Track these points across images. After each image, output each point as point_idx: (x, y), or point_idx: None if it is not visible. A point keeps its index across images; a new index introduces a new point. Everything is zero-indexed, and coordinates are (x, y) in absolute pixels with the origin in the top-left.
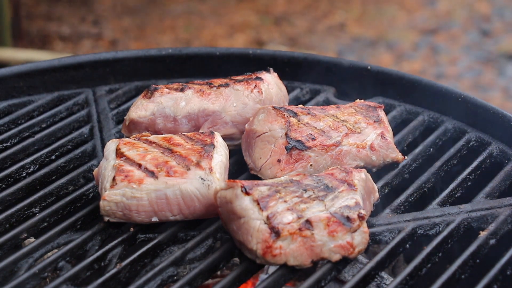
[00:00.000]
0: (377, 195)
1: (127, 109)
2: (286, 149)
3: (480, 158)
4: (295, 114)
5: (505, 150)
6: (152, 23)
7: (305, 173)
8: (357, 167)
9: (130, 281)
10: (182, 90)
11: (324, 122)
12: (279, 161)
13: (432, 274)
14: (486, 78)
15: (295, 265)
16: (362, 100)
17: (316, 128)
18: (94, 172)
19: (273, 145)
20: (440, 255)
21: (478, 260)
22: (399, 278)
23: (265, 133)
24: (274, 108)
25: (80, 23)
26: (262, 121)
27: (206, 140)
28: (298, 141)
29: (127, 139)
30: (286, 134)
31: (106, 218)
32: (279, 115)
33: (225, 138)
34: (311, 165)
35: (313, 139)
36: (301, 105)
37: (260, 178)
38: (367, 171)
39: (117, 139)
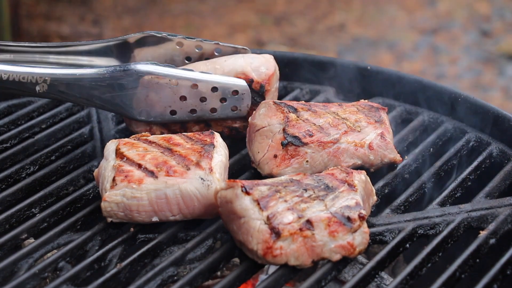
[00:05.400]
0: (375, 198)
1: None
2: (282, 145)
3: (480, 158)
4: (295, 110)
5: (505, 150)
6: (152, 23)
7: (304, 172)
8: (354, 165)
9: (130, 281)
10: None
11: (324, 119)
12: (275, 156)
13: (432, 274)
14: (486, 78)
15: (296, 265)
16: (366, 101)
17: (315, 124)
18: (94, 173)
19: (271, 140)
20: (440, 255)
21: (478, 260)
22: (399, 278)
23: (264, 127)
24: (274, 103)
25: (80, 22)
26: (262, 115)
27: (206, 140)
28: (295, 136)
29: (126, 139)
30: (283, 130)
31: (109, 219)
32: (278, 110)
33: None
34: (307, 161)
35: (311, 136)
36: (303, 101)
37: (260, 175)
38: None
39: (117, 139)
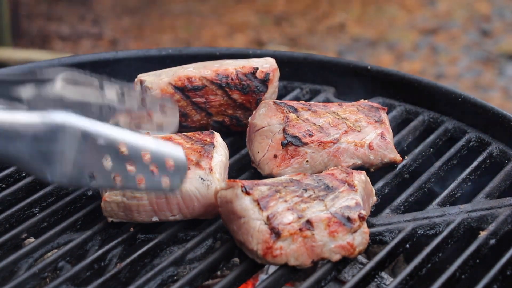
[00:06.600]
0: (375, 198)
1: None
2: (282, 145)
3: (480, 158)
4: (295, 110)
5: (505, 150)
6: (152, 23)
7: (304, 172)
8: (354, 165)
9: (130, 281)
10: None
11: (324, 118)
12: (275, 156)
13: (432, 274)
14: (486, 78)
15: (296, 265)
16: (366, 101)
17: (315, 124)
18: None
19: (271, 140)
20: (440, 255)
21: (478, 260)
22: (399, 278)
23: (264, 127)
24: (274, 103)
25: (80, 22)
26: (262, 115)
27: (206, 140)
28: (295, 136)
29: None
30: (283, 130)
31: (110, 219)
32: (278, 110)
33: None
34: (307, 161)
35: (311, 135)
36: (303, 101)
37: (260, 175)
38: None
39: None
